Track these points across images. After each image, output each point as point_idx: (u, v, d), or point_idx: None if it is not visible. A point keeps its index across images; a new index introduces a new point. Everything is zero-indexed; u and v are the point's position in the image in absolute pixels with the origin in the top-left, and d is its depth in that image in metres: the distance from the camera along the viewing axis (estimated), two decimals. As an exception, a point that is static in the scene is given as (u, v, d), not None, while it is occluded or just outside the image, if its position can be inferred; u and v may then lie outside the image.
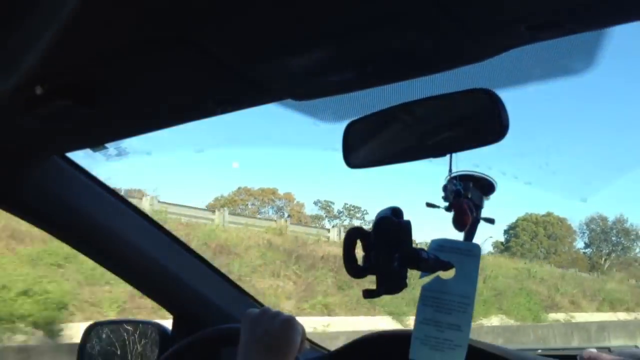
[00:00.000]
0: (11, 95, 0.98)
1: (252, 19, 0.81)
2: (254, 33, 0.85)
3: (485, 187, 0.96)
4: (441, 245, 0.97)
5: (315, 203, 34.21)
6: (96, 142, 1.34)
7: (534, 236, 51.32)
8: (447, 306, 0.95)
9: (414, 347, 0.97)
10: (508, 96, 0.93)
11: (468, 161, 0.96)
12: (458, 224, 0.93)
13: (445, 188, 0.94)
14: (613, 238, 51.02)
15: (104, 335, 1.60)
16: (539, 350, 1.54)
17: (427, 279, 0.98)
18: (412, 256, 0.89)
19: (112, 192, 1.51)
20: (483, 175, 0.96)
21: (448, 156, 0.95)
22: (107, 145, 1.35)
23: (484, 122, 0.93)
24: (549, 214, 51.73)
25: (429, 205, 0.96)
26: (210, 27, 0.84)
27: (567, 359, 1.32)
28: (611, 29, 0.82)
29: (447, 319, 0.95)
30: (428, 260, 0.92)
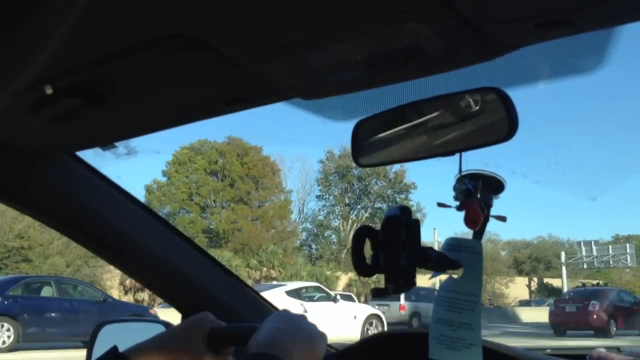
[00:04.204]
0: (21, 95, 0.99)
1: (261, 18, 0.82)
2: (263, 32, 0.85)
3: (494, 186, 0.96)
4: (450, 243, 0.97)
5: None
6: (106, 141, 1.35)
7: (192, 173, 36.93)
8: (457, 305, 0.95)
9: (432, 346, 0.97)
10: (517, 95, 0.92)
11: (477, 160, 0.96)
12: (470, 223, 0.93)
13: (455, 188, 0.94)
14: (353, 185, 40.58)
15: (112, 334, 1.61)
16: (548, 350, 1.54)
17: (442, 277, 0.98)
18: (420, 255, 0.89)
19: (123, 191, 1.52)
20: (492, 174, 0.96)
21: (457, 155, 0.95)
22: (116, 144, 1.36)
23: (494, 121, 0.92)
24: (231, 139, 37.15)
25: (440, 205, 0.96)
26: (219, 26, 0.84)
27: (576, 358, 1.32)
28: (621, 27, 0.82)
29: (458, 318, 0.95)
30: (436, 259, 0.91)
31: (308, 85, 1.01)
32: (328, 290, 19.53)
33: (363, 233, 0.91)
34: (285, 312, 0.98)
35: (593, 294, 23.25)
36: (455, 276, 0.96)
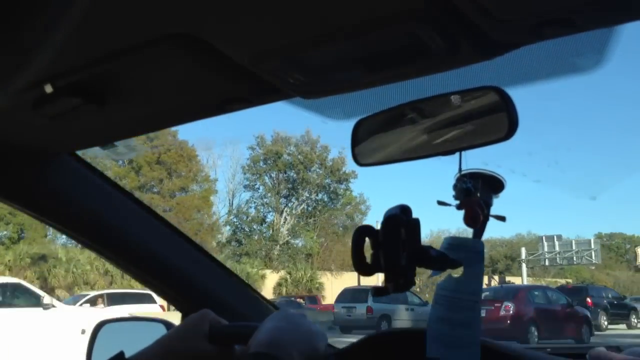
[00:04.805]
0: (22, 94, 0.99)
1: (260, 18, 0.82)
2: (263, 31, 0.85)
3: (494, 185, 0.96)
4: (450, 242, 0.97)
5: None
6: (106, 140, 1.35)
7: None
8: (457, 304, 0.95)
9: (429, 344, 0.97)
10: (518, 94, 0.92)
11: (477, 159, 0.96)
12: (470, 222, 0.93)
13: (455, 186, 0.94)
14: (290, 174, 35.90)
15: (112, 333, 1.61)
16: (549, 349, 1.54)
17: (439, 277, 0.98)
18: (420, 254, 0.89)
19: (123, 190, 1.52)
20: (492, 173, 0.96)
21: (457, 154, 0.95)
22: (116, 143, 1.36)
23: (494, 120, 0.92)
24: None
25: (440, 203, 0.96)
26: (219, 25, 0.84)
27: (576, 357, 1.32)
28: (621, 26, 0.82)
29: (457, 317, 0.94)
30: (436, 258, 0.91)
31: (308, 84, 1.01)
32: (37, 291, 12.30)
33: (363, 232, 0.90)
34: (286, 312, 0.98)
35: (508, 293, 18.84)
36: (455, 275, 0.96)
